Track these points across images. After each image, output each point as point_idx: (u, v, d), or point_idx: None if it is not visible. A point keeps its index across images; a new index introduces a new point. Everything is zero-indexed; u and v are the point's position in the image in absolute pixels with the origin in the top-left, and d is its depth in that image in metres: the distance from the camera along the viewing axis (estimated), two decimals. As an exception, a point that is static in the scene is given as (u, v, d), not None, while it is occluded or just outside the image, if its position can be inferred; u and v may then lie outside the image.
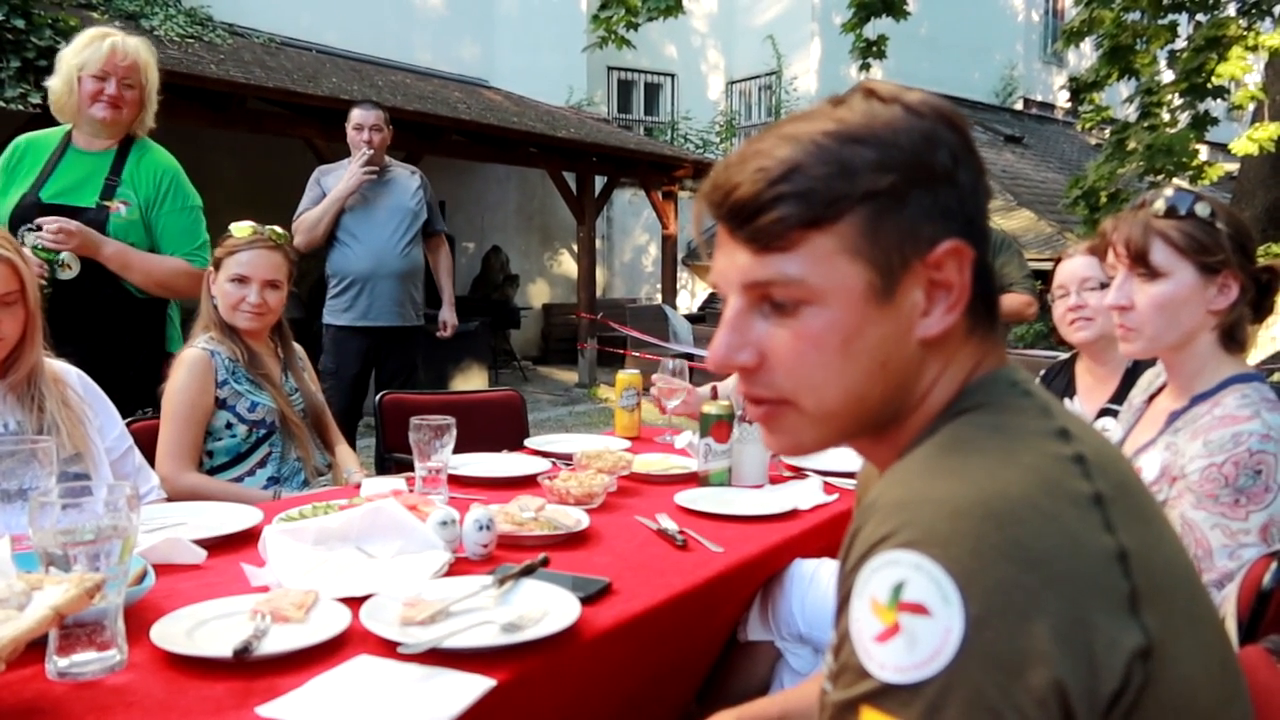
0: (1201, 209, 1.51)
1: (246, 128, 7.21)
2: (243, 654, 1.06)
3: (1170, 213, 1.51)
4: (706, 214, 0.80)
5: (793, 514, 1.87)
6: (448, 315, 4.45)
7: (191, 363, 2.30)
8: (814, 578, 1.73)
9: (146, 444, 2.22)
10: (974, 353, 0.78)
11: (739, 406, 2.13)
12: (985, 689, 0.60)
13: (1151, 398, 1.71)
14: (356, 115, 4.11)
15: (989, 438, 0.72)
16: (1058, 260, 2.43)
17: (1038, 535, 0.63)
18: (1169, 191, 1.55)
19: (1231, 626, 1.31)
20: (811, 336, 0.74)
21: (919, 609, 0.62)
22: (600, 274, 11.22)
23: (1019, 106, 16.65)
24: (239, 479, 2.35)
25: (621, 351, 9.25)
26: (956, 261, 0.75)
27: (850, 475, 2.16)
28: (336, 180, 4.07)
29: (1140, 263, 1.52)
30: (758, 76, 14.63)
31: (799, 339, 0.75)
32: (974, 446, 0.71)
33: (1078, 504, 0.66)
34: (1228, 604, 1.34)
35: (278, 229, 2.48)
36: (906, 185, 0.73)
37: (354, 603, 1.26)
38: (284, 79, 7.19)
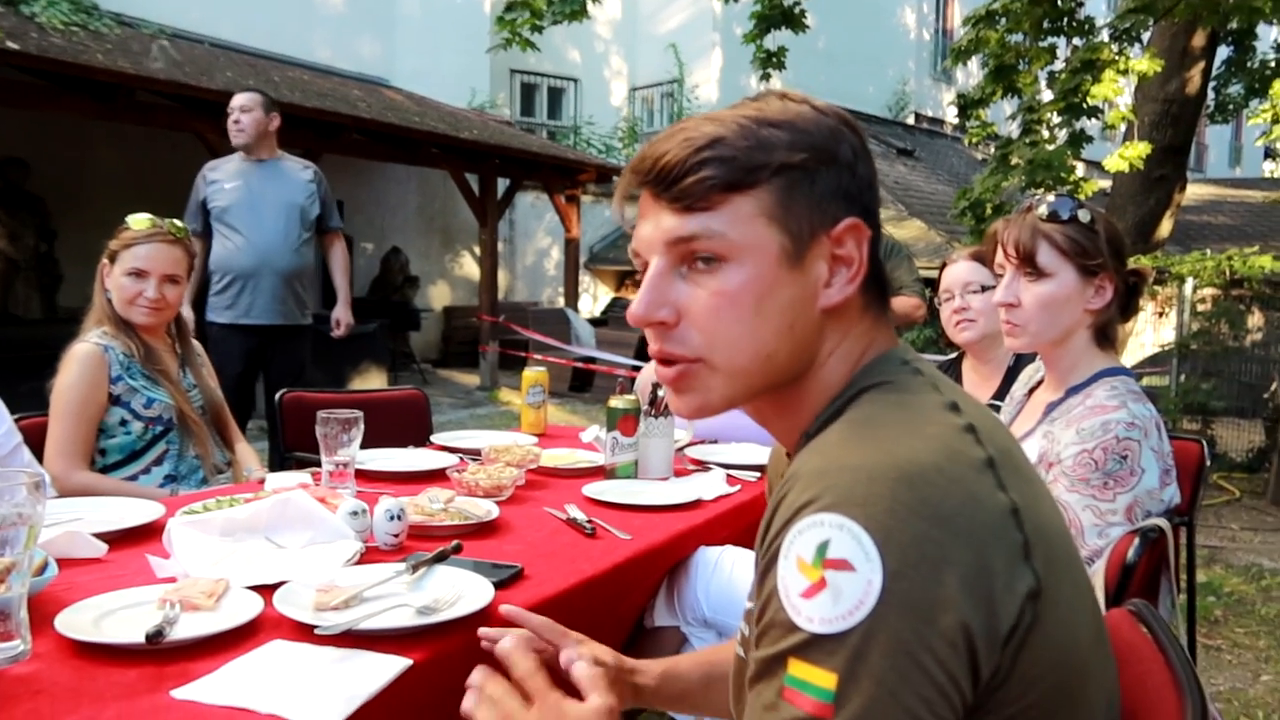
0: (1083, 215, 1.63)
1: (135, 120, 6.94)
2: (156, 638, 1.06)
3: (1053, 217, 1.63)
4: (629, 184, 0.86)
5: (697, 504, 1.92)
6: (342, 313, 4.33)
7: (83, 358, 2.24)
8: (717, 564, 1.79)
9: (34, 442, 2.14)
10: (868, 330, 0.86)
11: (645, 402, 2.18)
12: (903, 634, 0.66)
13: (1031, 391, 1.83)
14: (231, 100, 4.02)
15: (895, 413, 0.79)
16: (943, 266, 2.56)
17: (944, 495, 0.70)
18: (1051, 197, 1.67)
19: (1100, 598, 1.42)
20: (728, 293, 0.81)
21: (842, 565, 0.67)
22: (502, 277, 11.16)
23: (911, 121, 17.25)
24: (133, 477, 2.29)
25: (523, 354, 9.22)
26: (856, 238, 0.83)
27: (752, 468, 2.23)
28: (224, 176, 3.98)
29: (1028, 263, 1.63)
30: (660, 84, 14.79)
31: (716, 296, 0.81)
32: (882, 420, 0.78)
33: (975, 467, 0.73)
34: (1097, 578, 1.45)
35: (177, 222, 2.43)
36: (816, 164, 0.82)
37: (265, 591, 1.26)
38: (176, 71, 6.96)
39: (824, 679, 0.67)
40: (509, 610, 1.09)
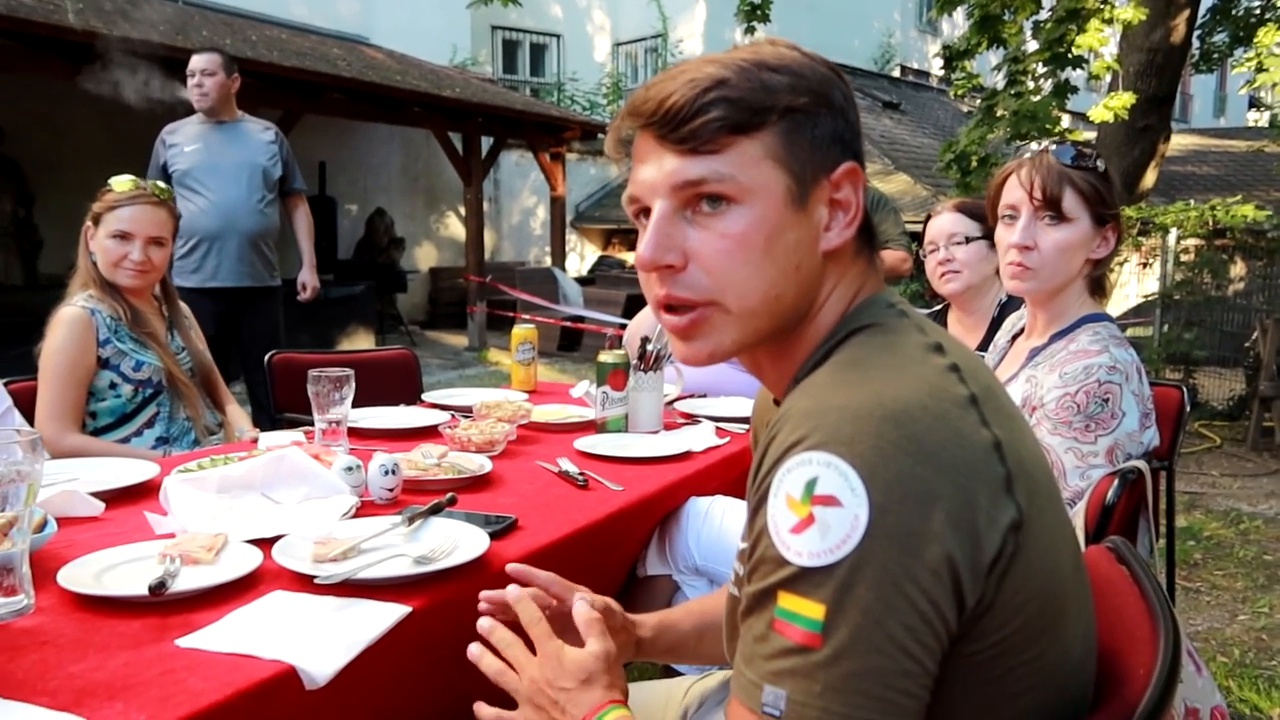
0: (1099, 164, 1.64)
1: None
2: (159, 590, 1.07)
3: (1077, 162, 1.63)
4: (626, 127, 0.87)
5: (687, 455, 1.95)
6: (308, 277, 4.30)
7: (70, 321, 2.23)
8: (708, 514, 1.82)
9: (24, 406, 2.15)
10: (860, 274, 0.89)
11: (634, 356, 2.19)
12: (889, 565, 0.69)
13: (1014, 338, 1.86)
14: (191, 62, 3.95)
15: (881, 354, 0.81)
16: (928, 218, 2.57)
17: (929, 432, 0.72)
18: (1053, 146, 1.67)
19: (1081, 538, 1.45)
20: (737, 235, 0.82)
21: (830, 500, 0.70)
22: (488, 237, 11.11)
23: (896, 74, 17.15)
24: (125, 440, 2.30)
25: (511, 314, 9.22)
26: (852, 183, 0.85)
27: (741, 420, 2.26)
28: (184, 139, 3.94)
29: (1051, 207, 1.64)
30: (643, 39, 14.64)
31: (725, 238, 0.83)
32: (869, 362, 0.80)
33: (959, 404, 0.76)
34: (1078, 519, 1.49)
35: (160, 184, 2.41)
36: (816, 108, 0.83)
37: (264, 544, 1.28)
38: (150, 31, 6.84)
39: (812, 610, 0.69)
40: (515, 568, 1.11)
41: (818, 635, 0.69)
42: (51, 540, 1.28)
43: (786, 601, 0.71)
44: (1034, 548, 0.74)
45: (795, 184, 0.83)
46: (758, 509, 0.76)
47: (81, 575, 1.15)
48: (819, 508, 0.70)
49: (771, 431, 0.78)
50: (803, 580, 0.70)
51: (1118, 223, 1.66)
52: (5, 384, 2.11)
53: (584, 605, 0.98)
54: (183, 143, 3.95)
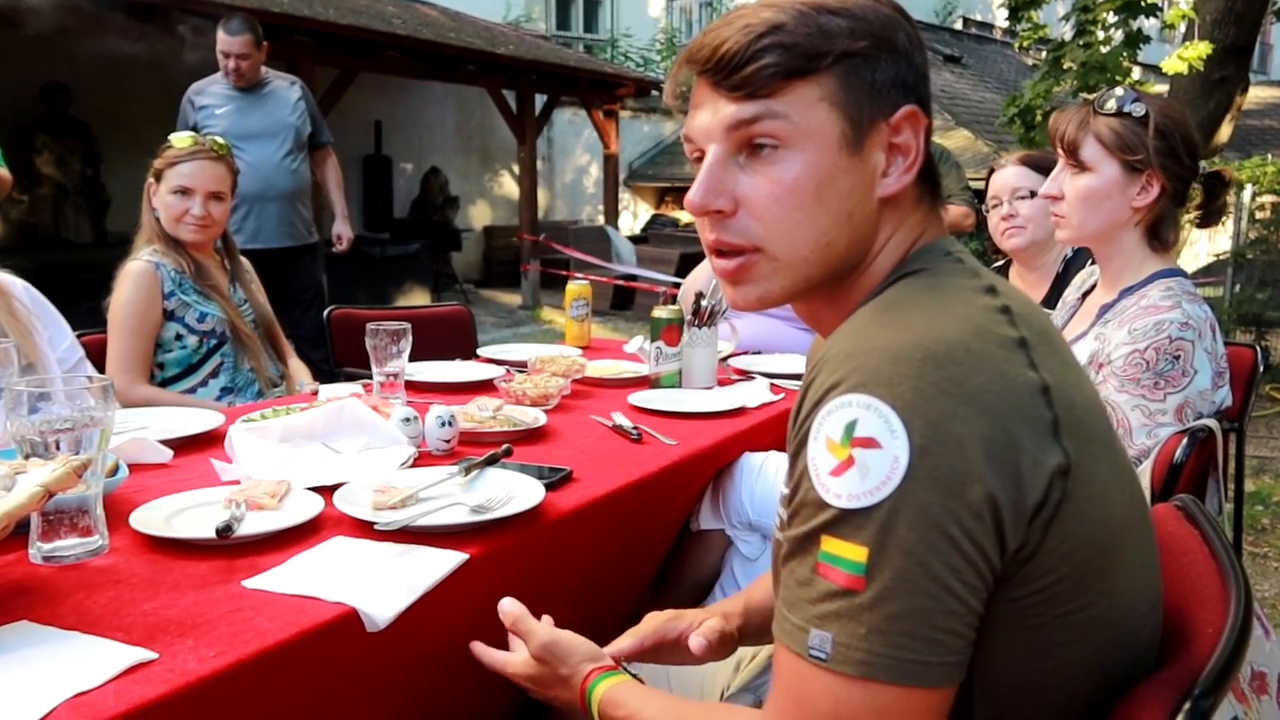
0: (1137, 109, 1.58)
1: (173, 42, 6.92)
2: (225, 533, 1.10)
3: (1103, 109, 1.60)
4: (682, 74, 0.86)
5: (741, 411, 1.94)
6: (342, 229, 4.36)
7: (136, 275, 2.29)
8: (762, 469, 1.81)
9: (94, 358, 2.21)
10: (920, 221, 0.87)
11: (688, 312, 2.18)
12: (930, 506, 0.68)
13: (1085, 296, 1.81)
14: (221, 39, 3.93)
15: (926, 295, 0.80)
16: (991, 172, 2.51)
17: (971, 373, 0.71)
18: (1119, 91, 1.62)
19: (1147, 497, 1.42)
20: (788, 181, 0.81)
21: (870, 443, 0.69)
22: (542, 195, 11.10)
23: (958, 26, 16.67)
24: (191, 390, 2.36)
25: (565, 273, 9.20)
26: (913, 127, 0.83)
27: (796, 377, 2.24)
28: (215, 101, 3.97)
29: (1071, 156, 1.62)
30: (699, -7, 14.40)
31: (776, 184, 0.82)
32: (913, 303, 0.79)
33: (1005, 346, 0.74)
34: (1144, 478, 1.45)
35: (219, 139, 2.45)
36: (876, 51, 0.81)
37: (325, 492, 1.30)
38: (209, -11, 6.90)
39: (855, 553, 0.69)
40: (618, 649, 1.11)
41: (861, 578, 0.69)
42: (123, 485, 1.32)
43: (829, 545, 0.71)
44: (1084, 496, 0.73)
45: (850, 128, 0.81)
46: (798, 453, 0.75)
47: (152, 518, 1.18)
48: (859, 450, 0.70)
49: (811, 374, 0.77)
50: (844, 523, 0.70)
51: (1159, 170, 1.59)
52: (77, 336, 2.17)
53: (503, 608, 1.07)
54: (213, 105, 3.99)
